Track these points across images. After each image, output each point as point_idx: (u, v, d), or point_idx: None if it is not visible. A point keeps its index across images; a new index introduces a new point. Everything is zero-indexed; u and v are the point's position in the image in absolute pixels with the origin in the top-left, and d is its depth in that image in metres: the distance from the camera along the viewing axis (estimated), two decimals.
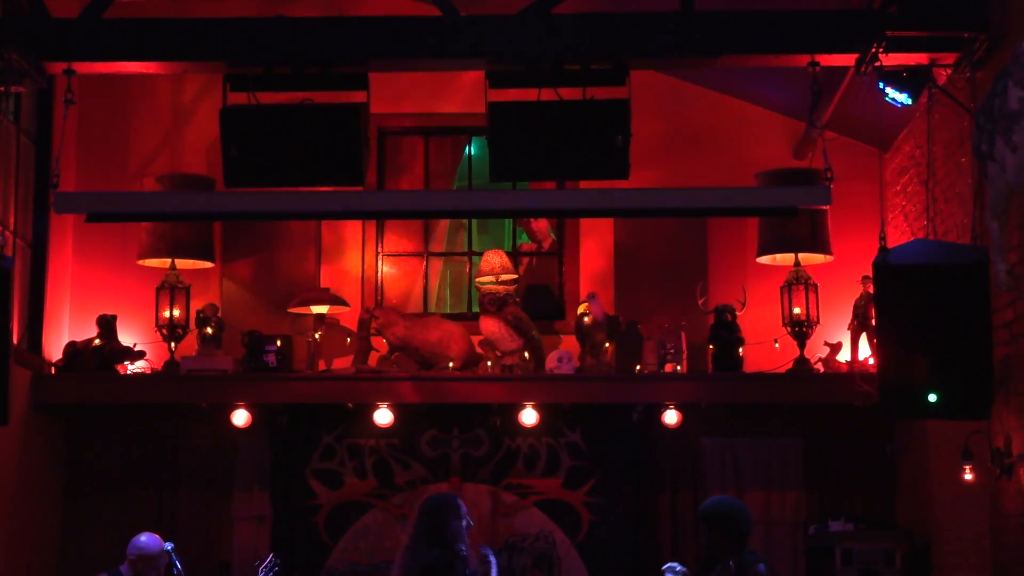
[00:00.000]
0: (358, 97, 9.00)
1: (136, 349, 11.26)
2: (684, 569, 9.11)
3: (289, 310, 11.56)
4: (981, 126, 7.13)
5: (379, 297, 11.96)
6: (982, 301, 8.07)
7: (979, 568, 8.88)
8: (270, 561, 9.14)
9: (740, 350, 11.19)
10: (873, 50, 8.50)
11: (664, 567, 9.23)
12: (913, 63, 8.68)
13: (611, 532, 11.37)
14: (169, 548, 8.63)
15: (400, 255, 12.22)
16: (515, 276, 11.55)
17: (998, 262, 7.41)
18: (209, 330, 11.35)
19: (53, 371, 11.21)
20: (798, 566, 11.17)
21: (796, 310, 11.17)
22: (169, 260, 11.38)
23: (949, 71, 8.74)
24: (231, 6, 9.34)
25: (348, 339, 11.60)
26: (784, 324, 11.21)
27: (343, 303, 11.55)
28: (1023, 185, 6.44)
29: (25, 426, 10.72)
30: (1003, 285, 7.47)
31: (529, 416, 11.17)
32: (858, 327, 10.91)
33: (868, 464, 11.36)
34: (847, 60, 8.86)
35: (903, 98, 8.84)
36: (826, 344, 11.17)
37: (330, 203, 9.41)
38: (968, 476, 8.77)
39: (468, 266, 12.18)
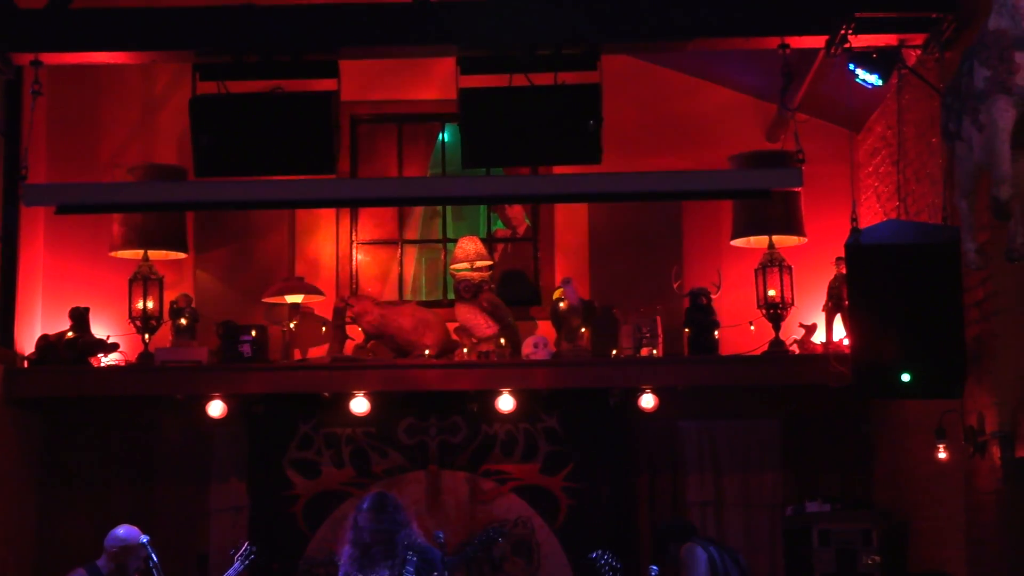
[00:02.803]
0: (329, 85, 9.00)
1: (110, 341, 11.22)
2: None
3: (263, 300, 11.53)
4: (948, 106, 7.15)
5: (354, 285, 11.94)
6: (953, 280, 8.11)
7: (955, 545, 8.91)
8: (246, 549, 9.13)
9: (716, 333, 11.20)
10: (842, 32, 8.53)
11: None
12: (883, 44, 8.71)
13: (590, 517, 11.37)
14: (145, 540, 8.61)
15: (374, 243, 12.20)
16: (490, 263, 11.54)
17: (967, 241, 7.43)
18: (183, 321, 11.32)
19: (26, 364, 11.16)
20: (776, 547, 11.19)
21: (771, 292, 11.19)
22: (141, 251, 11.33)
23: (918, 52, 8.77)
24: None
25: (323, 328, 11.57)
26: (759, 306, 11.23)
27: (318, 292, 11.53)
28: (990, 164, 6.44)
29: None
30: (973, 264, 7.50)
31: (506, 402, 11.16)
32: (832, 308, 10.92)
33: (845, 444, 11.38)
34: (817, 42, 8.89)
35: (873, 79, 8.86)
36: (801, 326, 11.18)
37: (303, 191, 9.40)
38: (942, 455, 8.80)
39: (443, 253, 12.17)
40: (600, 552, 8.66)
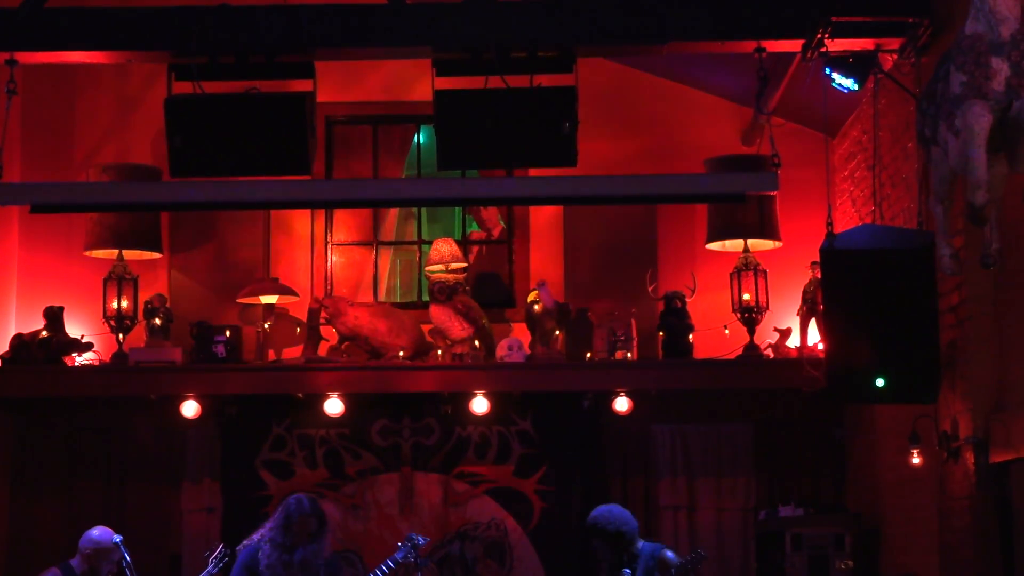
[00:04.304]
0: (304, 86, 8.97)
1: (84, 341, 11.17)
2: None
3: (238, 300, 11.51)
4: (924, 111, 7.16)
5: (328, 287, 11.92)
6: (928, 285, 8.13)
7: (927, 551, 8.93)
8: (220, 551, 9.10)
9: (690, 337, 11.22)
10: (819, 36, 8.53)
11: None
12: (859, 48, 8.73)
13: (563, 519, 11.37)
14: (118, 540, 8.59)
15: (349, 244, 12.17)
16: (465, 265, 11.54)
17: (943, 246, 7.45)
18: (157, 321, 11.29)
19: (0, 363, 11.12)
20: (748, 551, 11.21)
21: (745, 296, 11.20)
22: (116, 251, 11.29)
23: (895, 56, 8.79)
24: None
25: (298, 329, 11.55)
26: (734, 310, 11.23)
27: (292, 293, 11.51)
28: (966, 169, 6.46)
29: None
30: (948, 269, 7.51)
31: (480, 404, 11.16)
32: (807, 313, 10.93)
33: (818, 449, 11.39)
34: (793, 46, 8.89)
35: (849, 84, 8.88)
36: (775, 330, 11.20)
37: (278, 192, 9.37)
38: (916, 460, 8.82)
39: (418, 255, 12.16)
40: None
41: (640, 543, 8.20)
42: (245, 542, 8.21)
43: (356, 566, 11.15)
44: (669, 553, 8.18)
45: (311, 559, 7.95)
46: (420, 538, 9.24)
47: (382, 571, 8.83)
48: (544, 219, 11.89)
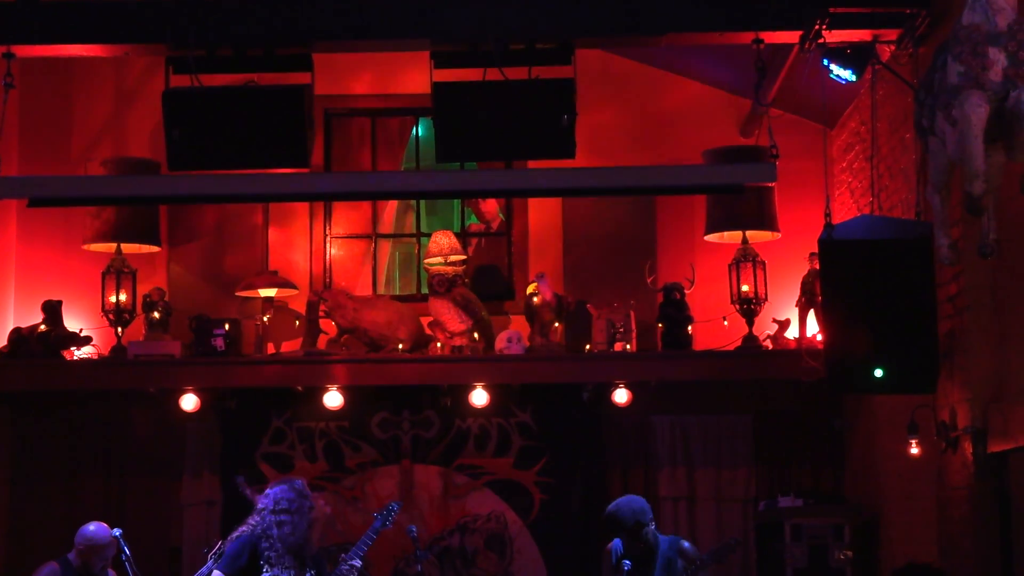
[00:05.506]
0: (302, 78, 8.96)
1: (82, 335, 11.17)
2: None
3: (237, 293, 11.51)
4: (922, 101, 7.17)
5: (327, 279, 11.92)
6: (926, 276, 8.14)
7: (926, 540, 8.94)
8: (219, 547, 9.08)
9: (689, 328, 11.21)
10: (816, 27, 8.54)
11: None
12: (856, 39, 8.74)
13: (562, 511, 11.38)
14: (117, 534, 8.57)
15: (348, 237, 12.17)
16: (464, 257, 11.54)
17: (941, 237, 7.46)
18: (156, 315, 11.28)
19: None
20: (748, 542, 11.20)
21: (744, 287, 11.20)
22: (115, 244, 11.29)
23: (892, 47, 8.79)
24: None
25: (297, 322, 11.54)
26: (732, 301, 11.24)
27: (291, 286, 11.51)
28: (963, 159, 6.47)
29: None
30: (946, 259, 7.53)
31: (479, 397, 11.16)
32: (806, 303, 10.94)
33: (817, 439, 11.39)
34: (791, 37, 8.90)
35: (847, 75, 8.88)
36: (774, 321, 11.20)
37: (277, 185, 9.37)
38: (914, 450, 8.84)
39: (417, 247, 12.16)
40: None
41: (658, 537, 8.22)
42: (234, 535, 8.15)
43: None
44: (687, 544, 8.21)
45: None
46: (395, 504, 9.21)
47: (365, 544, 8.81)
48: (543, 211, 11.88)
